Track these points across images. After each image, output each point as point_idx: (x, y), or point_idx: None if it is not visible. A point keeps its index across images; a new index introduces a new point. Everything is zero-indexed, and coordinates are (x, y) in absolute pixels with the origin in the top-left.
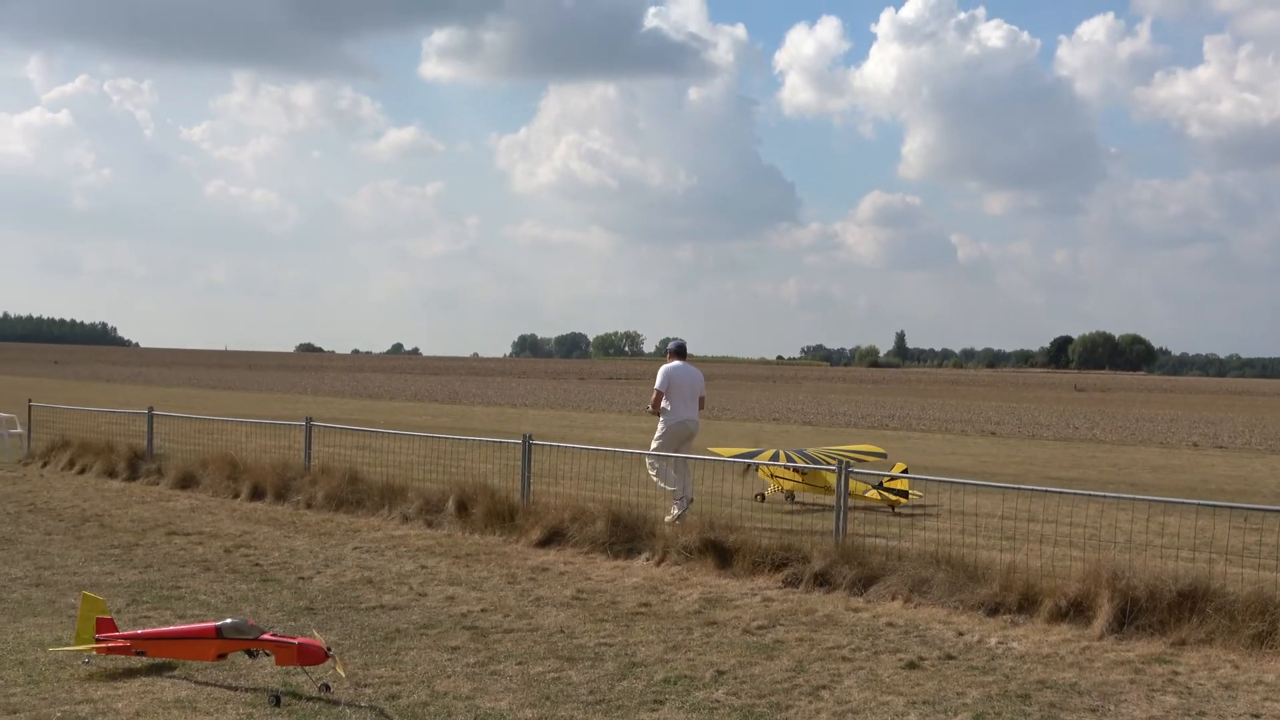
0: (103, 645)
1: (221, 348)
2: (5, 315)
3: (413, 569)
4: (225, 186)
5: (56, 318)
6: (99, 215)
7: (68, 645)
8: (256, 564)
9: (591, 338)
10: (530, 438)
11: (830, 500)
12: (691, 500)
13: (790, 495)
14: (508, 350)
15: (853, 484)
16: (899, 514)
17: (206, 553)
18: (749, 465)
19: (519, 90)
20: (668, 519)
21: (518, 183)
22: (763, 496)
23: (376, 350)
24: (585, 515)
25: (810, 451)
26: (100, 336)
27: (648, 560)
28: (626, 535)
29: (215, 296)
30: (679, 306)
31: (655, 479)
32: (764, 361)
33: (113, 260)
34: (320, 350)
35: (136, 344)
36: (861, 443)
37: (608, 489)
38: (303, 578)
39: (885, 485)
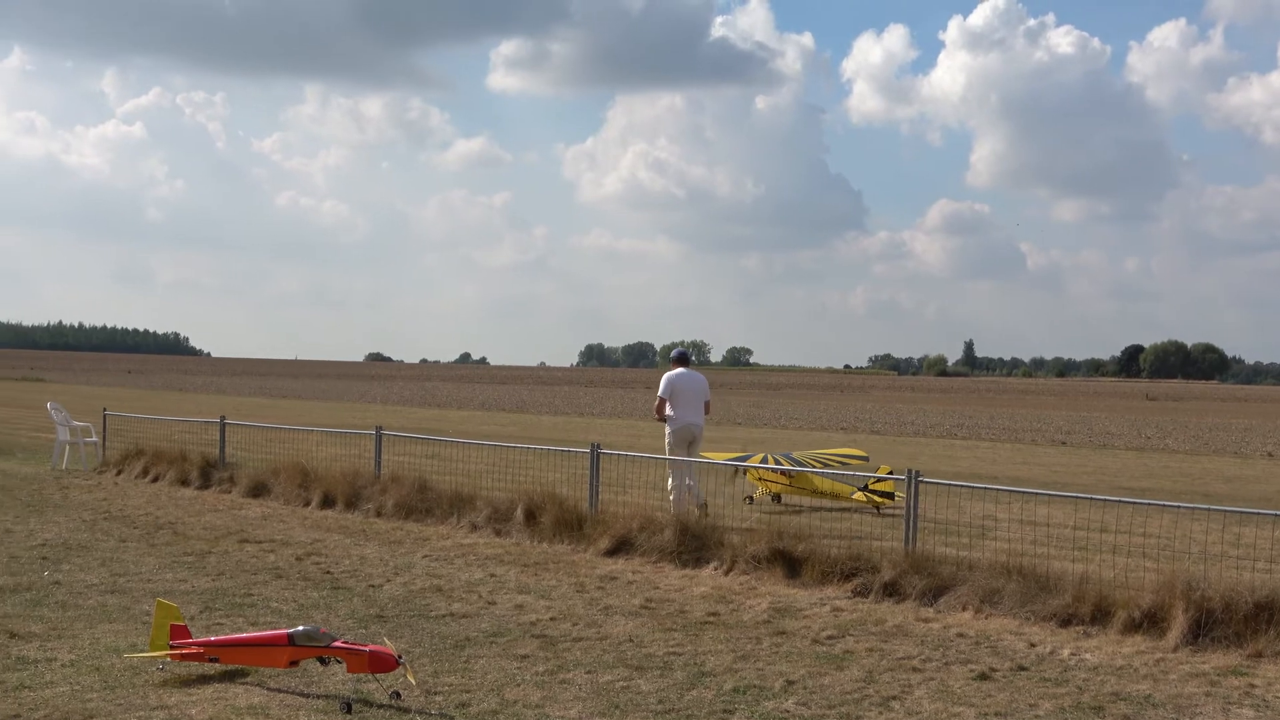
0: (177, 652)
1: (291, 357)
2: (81, 325)
3: (482, 577)
4: (296, 197)
5: (130, 328)
6: (172, 227)
7: (143, 651)
8: (327, 572)
9: (658, 347)
10: (598, 447)
11: (815, 501)
12: (705, 504)
13: (777, 497)
14: (574, 360)
15: (838, 486)
16: (884, 515)
17: (278, 560)
18: (738, 469)
19: (586, 100)
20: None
21: (585, 192)
22: (751, 499)
23: (444, 360)
24: (653, 524)
25: (795, 455)
26: (173, 346)
27: (716, 569)
28: (694, 545)
29: (285, 306)
30: (746, 315)
31: (669, 484)
32: (831, 371)
33: (185, 271)
34: (389, 360)
35: (208, 353)
36: (845, 446)
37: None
38: (373, 585)
39: (870, 487)
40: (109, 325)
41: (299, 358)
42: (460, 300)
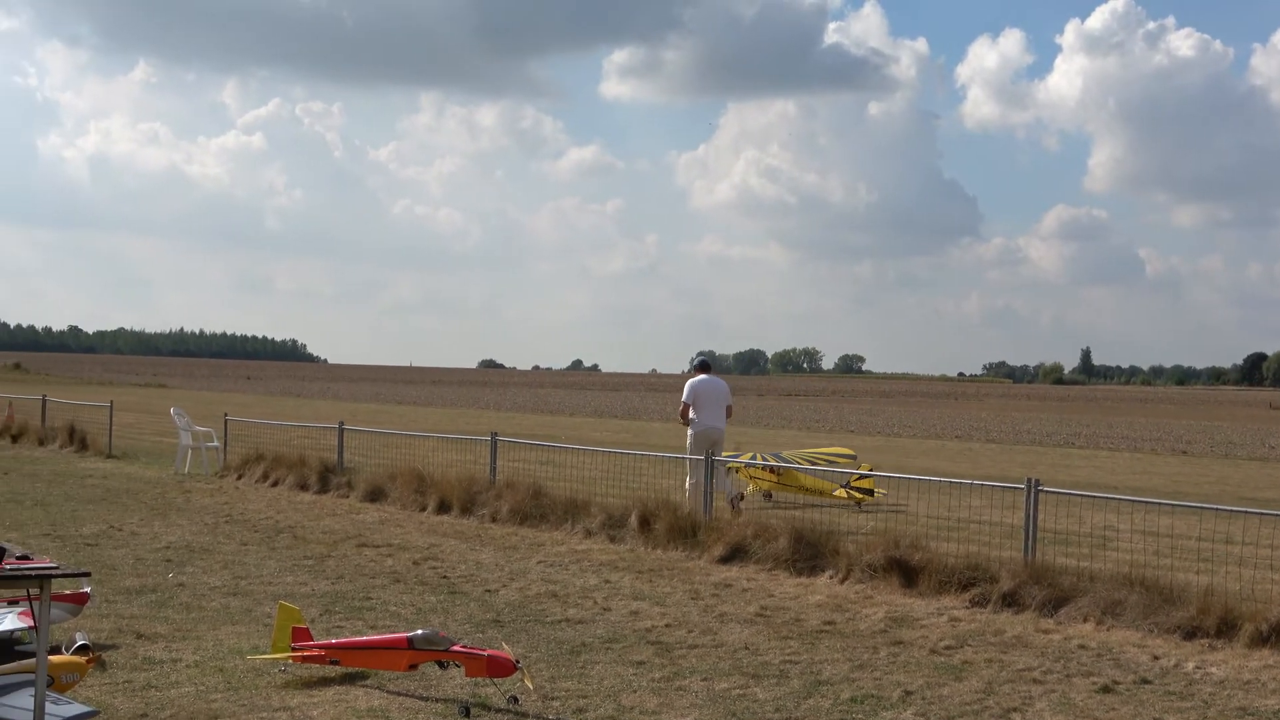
0: (299, 654)
1: (406, 364)
2: (202, 332)
3: (596, 583)
4: (411, 206)
5: (250, 335)
6: (290, 235)
7: (265, 653)
8: (444, 576)
9: (770, 354)
10: (712, 454)
11: (803, 499)
12: (741, 497)
13: (768, 495)
14: (686, 366)
15: (823, 483)
16: (865, 511)
17: (396, 564)
18: (731, 468)
19: (698, 108)
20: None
21: (697, 199)
22: (741, 496)
23: (556, 366)
24: (768, 532)
25: (784, 454)
26: (291, 353)
27: (831, 578)
28: (809, 552)
29: (401, 314)
30: (858, 323)
31: (688, 485)
32: (944, 379)
33: (303, 279)
34: (502, 366)
35: (325, 360)
36: (832, 445)
37: (789, 505)
38: (489, 590)
39: (853, 484)
40: (229, 332)
41: (414, 364)
42: (572, 307)
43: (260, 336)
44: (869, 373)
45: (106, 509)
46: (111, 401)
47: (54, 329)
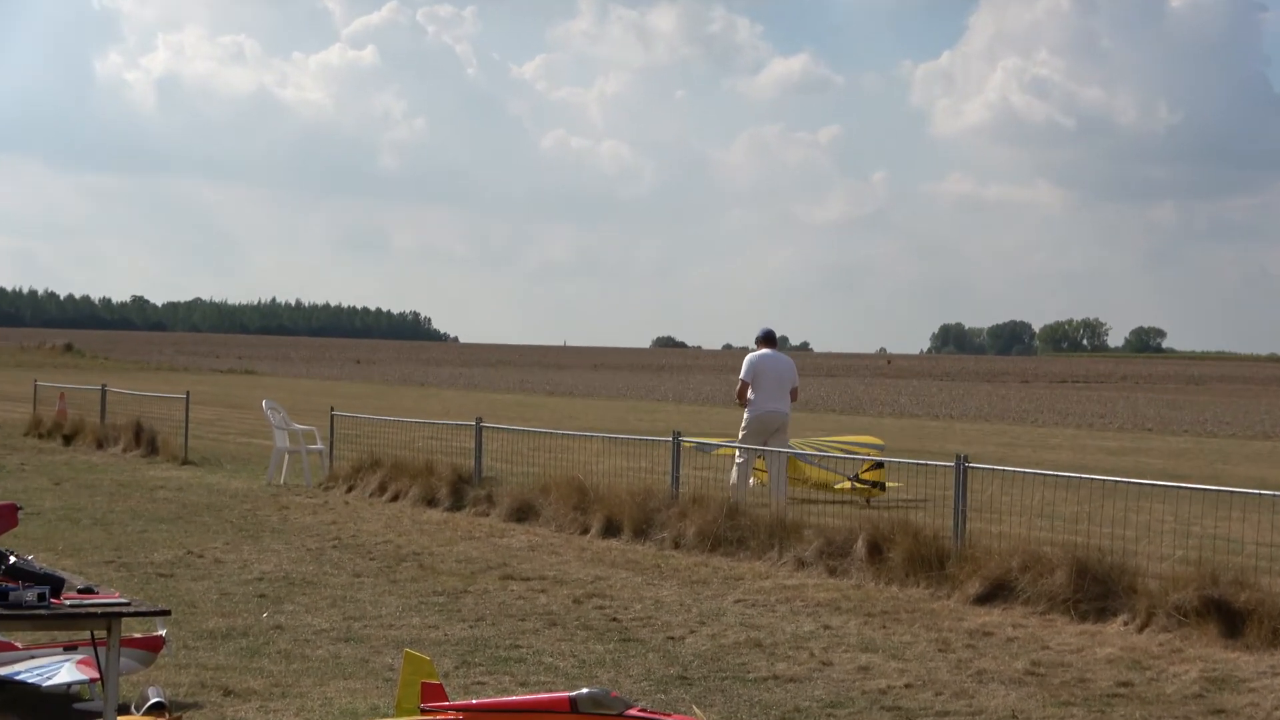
0: (430, 716)
1: (560, 343)
2: (298, 304)
3: (813, 629)
4: (565, 138)
5: (359, 307)
6: (410, 178)
7: (388, 715)
8: (614, 618)
9: (1037, 328)
10: (965, 460)
11: (807, 493)
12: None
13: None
14: (925, 345)
15: (826, 475)
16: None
17: (551, 603)
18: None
19: (940, 3)
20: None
21: (939, 124)
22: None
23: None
24: (1040, 563)
25: (793, 442)
26: (411, 330)
27: (1126, 624)
28: (1096, 591)
29: (552, 279)
30: (1156, 285)
31: (733, 478)
32: (1273, 359)
33: (426, 235)
34: (683, 345)
35: (455, 338)
36: (857, 433)
37: (1069, 528)
38: (672, 637)
39: (861, 476)
40: (332, 303)
41: (569, 344)
42: (775, 269)
43: (373, 309)
44: (1170, 351)
45: (183, 530)
46: (188, 392)
47: (114, 301)
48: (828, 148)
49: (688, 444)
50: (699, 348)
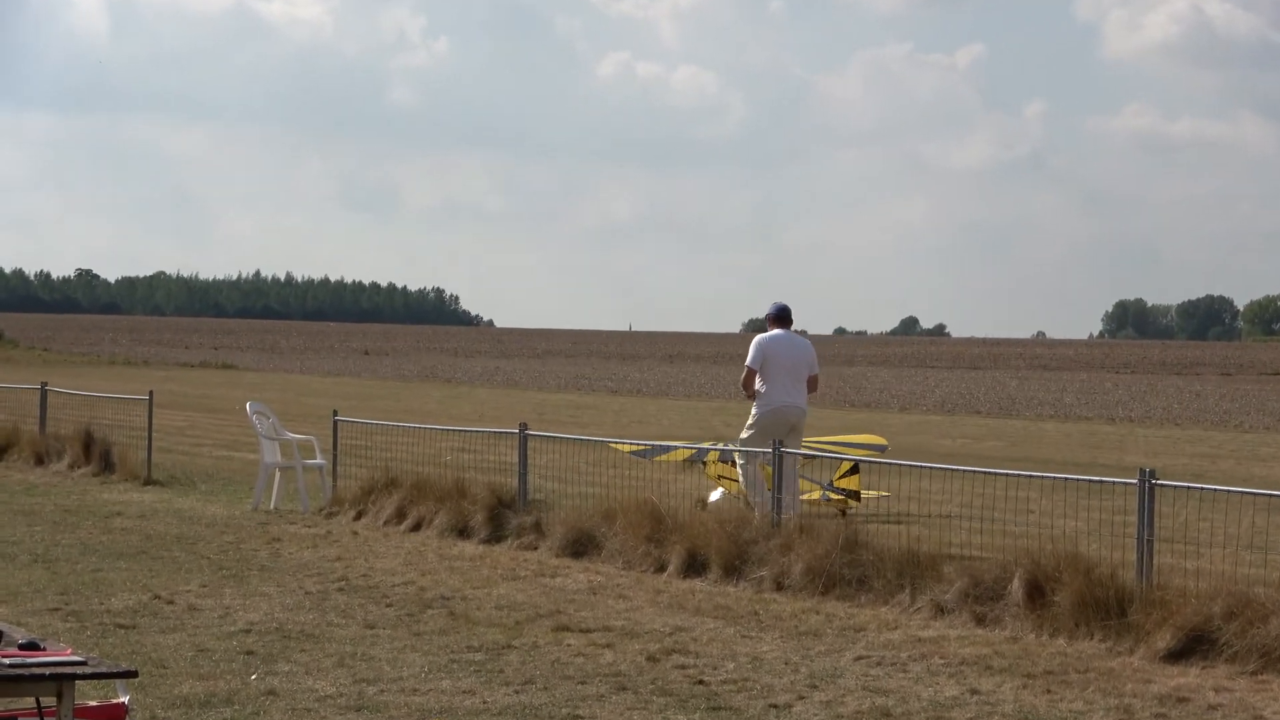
0: None
1: (624, 327)
2: (289, 278)
3: (956, 695)
4: (629, 62)
5: (365, 282)
6: (429, 116)
7: None
8: (699, 681)
9: (1241, 305)
10: (1152, 475)
11: None
12: (704, 504)
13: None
14: (1095, 328)
15: (802, 484)
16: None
17: (619, 661)
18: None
19: None
20: (711, 498)
21: (1112, 42)
22: (704, 504)
23: (874, 329)
24: (1249, 607)
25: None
26: (433, 311)
27: None
28: None
29: (612, 244)
30: None
31: (740, 482)
32: None
33: (451, 188)
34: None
35: (490, 321)
36: (859, 435)
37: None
38: (775, 705)
39: (835, 483)
40: (332, 277)
41: (634, 328)
42: (899, 229)
43: (383, 285)
44: None
45: (147, 568)
46: (151, 392)
47: (54, 276)
48: (968, 73)
49: (622, 448)
50: (803, 332)
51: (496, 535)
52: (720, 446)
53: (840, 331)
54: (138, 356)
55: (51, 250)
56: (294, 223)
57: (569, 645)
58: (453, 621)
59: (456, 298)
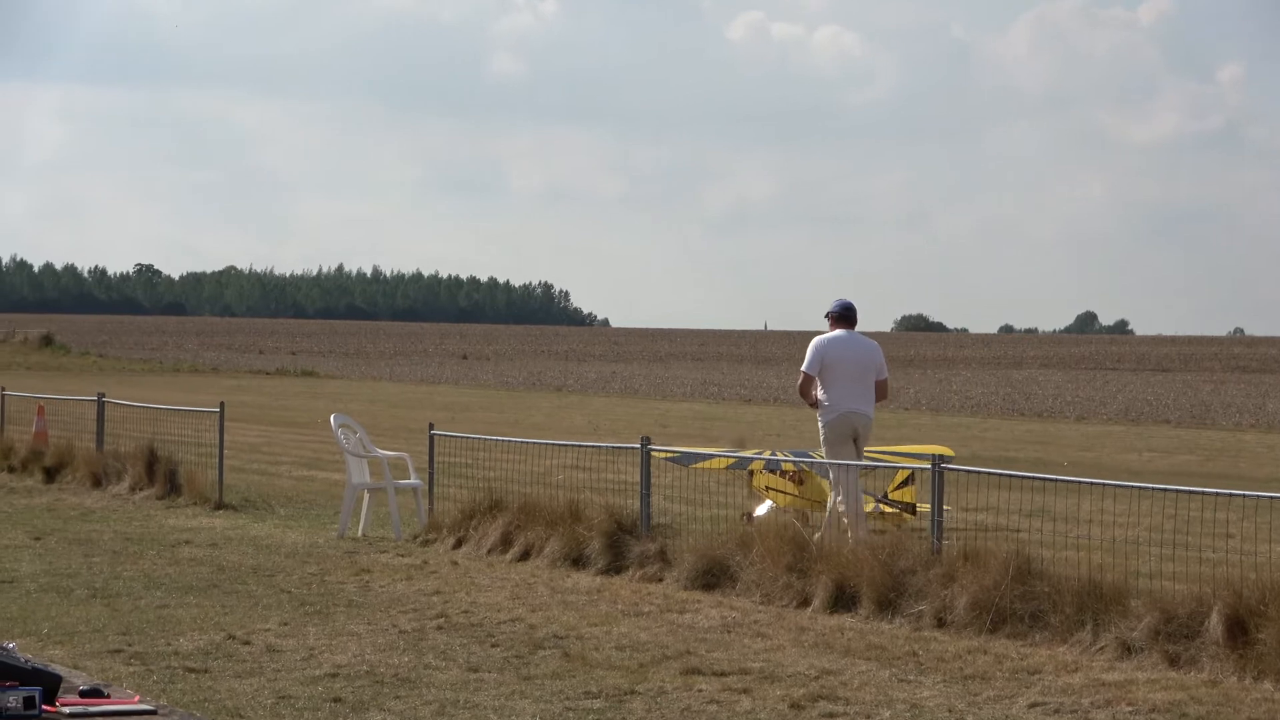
0: None
1: (759, 326)
2: (375, 274)
3: None
4: (764, 24)
5: (463, 276)
6: (535, 89)
7: None
8: None
9: None
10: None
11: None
12: (749, 518)
13: (749, 516)
14: None
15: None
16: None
17: (758, 708)
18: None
19: None
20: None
21: None
22: (749, 517)
23: (1047, 326)
24: None
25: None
26: (541, 310)
27: None
28: None
29: (745, 231)
30: None
31: (838, 503)
32: None
33: (559, 170)
34: (941, 328)
35: (605, 321)
36: (928, 446)
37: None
38: None
39: (889, 495)
40: (425, 272)
41: (770, 327)
42: (1075, 211)
43: (483, 280)
44: None
45: (219, 604)
46: (221, 404)
47: (110, 272)
48: (1151, 31)
49: (660, 455)
50: (964, 331)
51: (616, 565)
52: (764, 456)
53: (1007, 329)
54: (205, 363)
55: (107, 243)
56: (382, 210)
57: (700, 691)
58: (567, 664)
59: (567, 294)
